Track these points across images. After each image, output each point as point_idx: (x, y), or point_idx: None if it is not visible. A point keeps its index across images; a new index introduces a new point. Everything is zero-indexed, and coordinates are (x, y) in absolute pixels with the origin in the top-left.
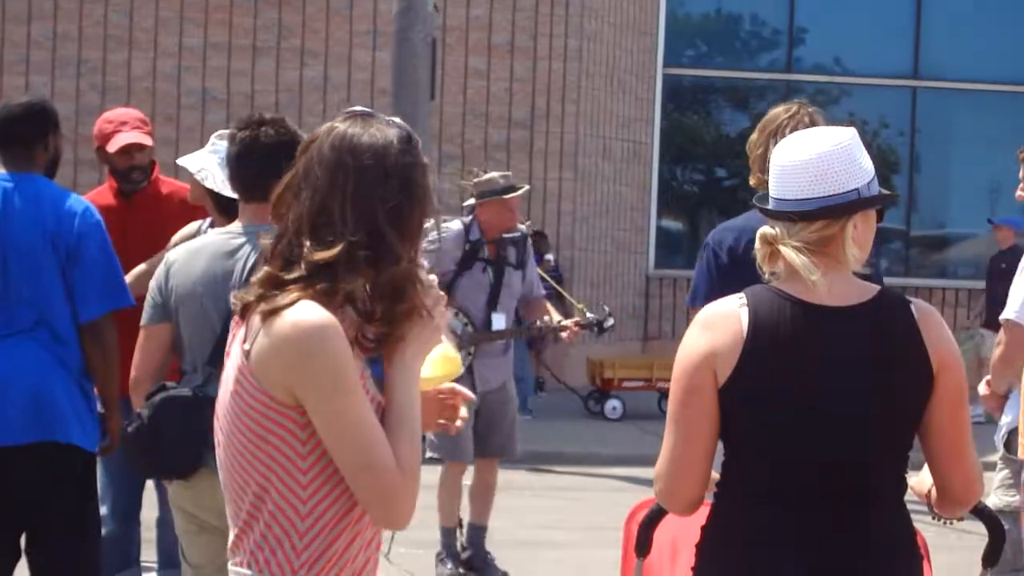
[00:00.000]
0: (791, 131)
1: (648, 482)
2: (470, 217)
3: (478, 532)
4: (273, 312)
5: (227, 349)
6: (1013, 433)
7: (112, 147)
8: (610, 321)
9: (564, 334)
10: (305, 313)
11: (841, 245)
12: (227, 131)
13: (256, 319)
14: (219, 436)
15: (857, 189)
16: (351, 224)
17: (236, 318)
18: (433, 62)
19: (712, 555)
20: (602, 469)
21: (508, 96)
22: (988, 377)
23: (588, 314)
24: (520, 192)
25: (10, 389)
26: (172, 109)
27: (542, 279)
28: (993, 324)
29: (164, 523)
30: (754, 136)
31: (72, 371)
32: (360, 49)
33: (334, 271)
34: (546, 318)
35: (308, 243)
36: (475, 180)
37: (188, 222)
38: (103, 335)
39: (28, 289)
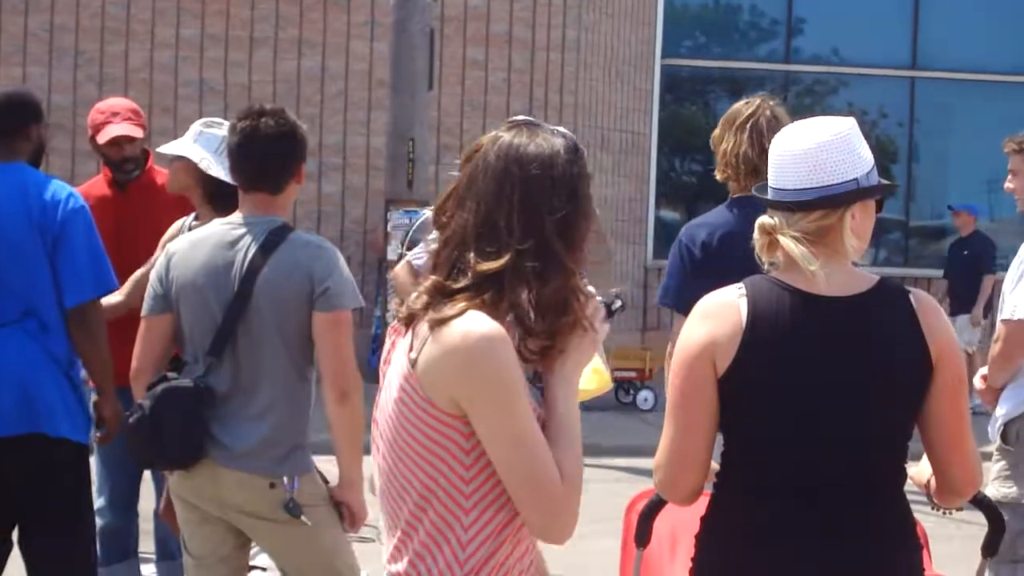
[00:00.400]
0: (752, 125)
1: (647, 472)
2: None
3: None
4: (442, 322)
5: (385, 356)
6: (1009, 424)
7: (102, 139)
8: (618, 303)
9: None
10: (474, 324)
11: (840, 235)
12: (211, 119)
13: (424, 328)
14: (378, 442)
15: (856, 179)
16: (518, 234)
17: (396, 325)
18: (431, 53)
19: (711, 546)
20: (601, 460)
21: (506, 87)
22: (983, 371)
23: (599, 296)
24: None
25: (1, 381)
26: (169, 100)
27: None
28: (957, 312)
29: None
30: (717, 131)
31: (61, 362)
32: (358, 40)
33: (500, 281)
34: None
35: (473, 254)
36: None
37: (183, 213)
38: (89, 321)
39: (16, 279)
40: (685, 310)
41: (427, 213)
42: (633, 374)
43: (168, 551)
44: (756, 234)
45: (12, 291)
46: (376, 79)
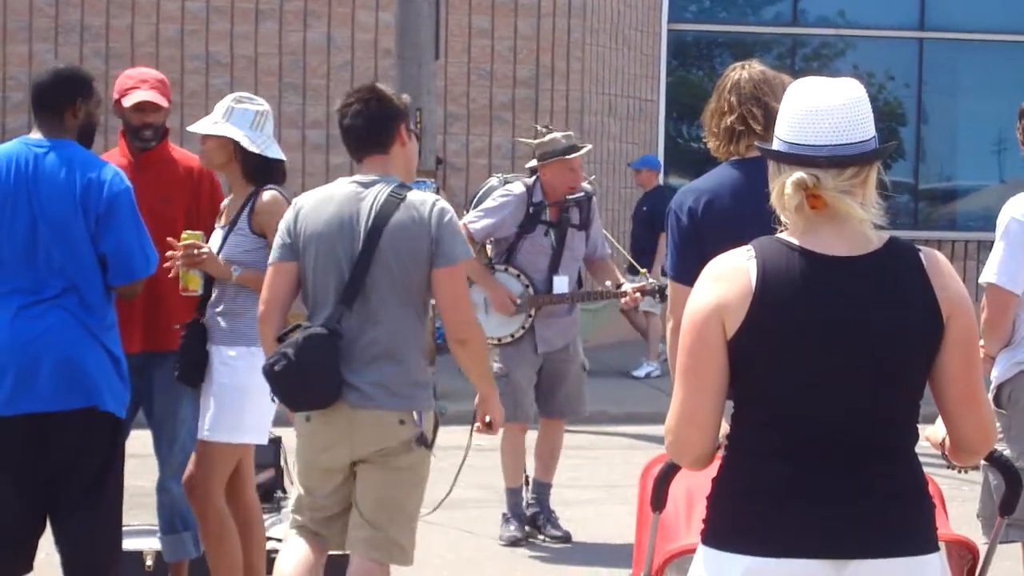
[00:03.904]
0: (734, 87)
1: (658, 439)
2: (533, 179)
3: (543, 489)
4: None
5: None
6: (1002, 386)
7: (127, 102)
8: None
9: (624, 299)
10: None
11: (863, 193)
12: (241, 94)
13: None
14: None
15: (875, 136)
16: None
17: None
18: (437, 21)
19: (722, 508)
20: (611, 427)
21: (513, 55)
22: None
23: (650, 280)
24: (583, 152)
25: (42, 357)
26: (176, 74)
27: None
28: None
29: (164, 490)
30: (712, 104)
31: (100, 337)
32: (363, 10)
33: None
34: (608, 282)
35: None
36: (537, 141)
37: (191, 190)
38: (133, 295)
39: (58, 255)
40: (679, 278)
41: (492, 181)
42: None
43: (172, 525)
44: (790, 190)
45: (54, 267)
46: (382, 49)
